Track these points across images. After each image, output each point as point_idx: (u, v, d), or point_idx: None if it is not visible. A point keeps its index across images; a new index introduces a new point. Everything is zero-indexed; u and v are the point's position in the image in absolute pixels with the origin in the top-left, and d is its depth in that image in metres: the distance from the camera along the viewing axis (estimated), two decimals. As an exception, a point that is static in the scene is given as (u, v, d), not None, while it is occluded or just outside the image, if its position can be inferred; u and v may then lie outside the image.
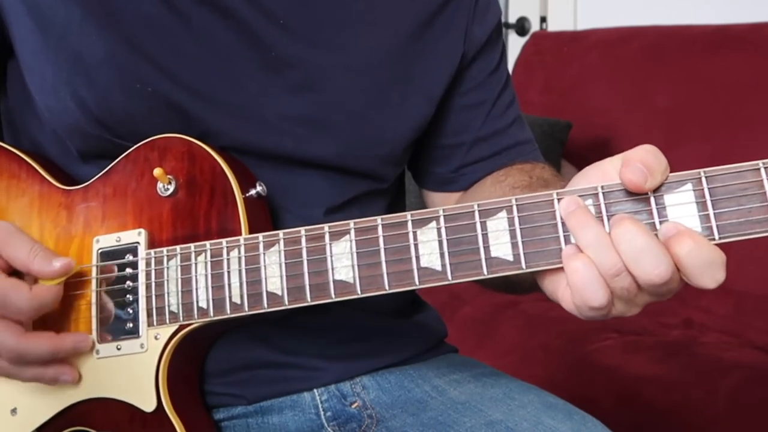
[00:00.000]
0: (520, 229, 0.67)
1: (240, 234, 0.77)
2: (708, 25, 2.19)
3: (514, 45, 3.01)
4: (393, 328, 0.96)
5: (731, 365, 1.51)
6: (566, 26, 2.85)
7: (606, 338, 1.67)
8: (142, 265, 0.79)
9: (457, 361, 0.98)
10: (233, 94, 0.83)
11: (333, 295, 0.71)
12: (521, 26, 3.06)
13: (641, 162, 0.62)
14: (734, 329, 1.77)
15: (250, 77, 0.84)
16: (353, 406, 0.90)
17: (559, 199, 0.66)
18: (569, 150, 2.21)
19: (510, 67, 2.58)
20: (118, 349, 0.79)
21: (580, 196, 0.65)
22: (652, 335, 1.72)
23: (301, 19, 0.85)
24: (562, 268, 0.65)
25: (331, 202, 0.88)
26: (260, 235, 0.74)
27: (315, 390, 0.90)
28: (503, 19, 3.12)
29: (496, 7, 0.98)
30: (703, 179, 0.62)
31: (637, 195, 0.64)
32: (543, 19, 3.02)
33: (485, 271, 0.67)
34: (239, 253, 0.75)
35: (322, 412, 0.89)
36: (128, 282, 0.79)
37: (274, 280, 0.73)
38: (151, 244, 0.80)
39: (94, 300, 0.80)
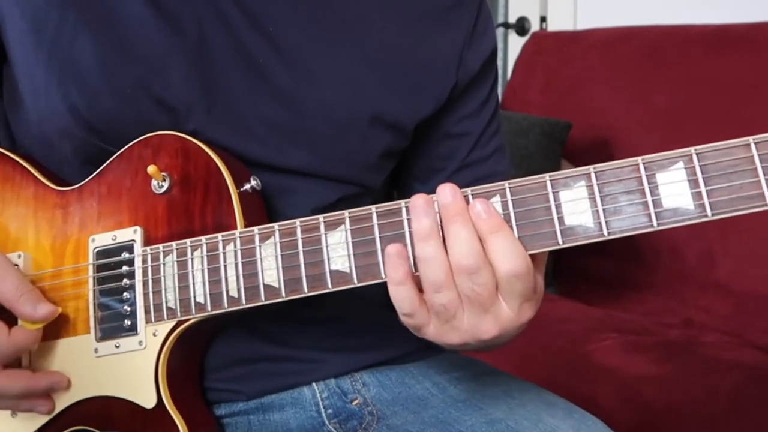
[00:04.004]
0: (515, 212, 0.67)
1: (235, 229, 0.77)
2: (707, 25, 2.18)
3: (514, 45, 3.00)
4: (392, 322, 0.95)
5: (731, 365, 1.51)
6: (566, 26, 2.84)
7: (606, 338, 1.67)
8: (138, 263, 0.79)
9: (457, 359, 0.98)
10: (220, 100, 0.83)
11: (330, 286, 0.72)
12: (521, 26, 3.06)
13: None
14: (734, 329, 1.77)
15: (237, 84, 0.84)
16: (354, 403, 0.90)
17: (552, 182, 0.66)
18: (569, 150, 2.21)
19: (510, 67, 2.58)
20: (117, 347, 0.79)
21: (571, 177, 0.65)
22: (652, 335, 1.72)
23: (291, 29, 0.85)
24: None
25: (318, 203, 0.88)
26: (255, 228, 0.75)
27: (315, 386, 0.90)
28: (503, 19, 3.12)
29: (492, 32, 0.98)
30: (694, 157, 0.63)
31: (629, 175, 0.64)
32: (543, 19, 3.02)
33: None
34: (235, 246, 0.75)
35: (323, 410, 0.89)
36: (125, 280, 0.79)
37: (270, 272, 0.73)
38: (147, 241, 0.80)
39: (91, 299, 0.80)
